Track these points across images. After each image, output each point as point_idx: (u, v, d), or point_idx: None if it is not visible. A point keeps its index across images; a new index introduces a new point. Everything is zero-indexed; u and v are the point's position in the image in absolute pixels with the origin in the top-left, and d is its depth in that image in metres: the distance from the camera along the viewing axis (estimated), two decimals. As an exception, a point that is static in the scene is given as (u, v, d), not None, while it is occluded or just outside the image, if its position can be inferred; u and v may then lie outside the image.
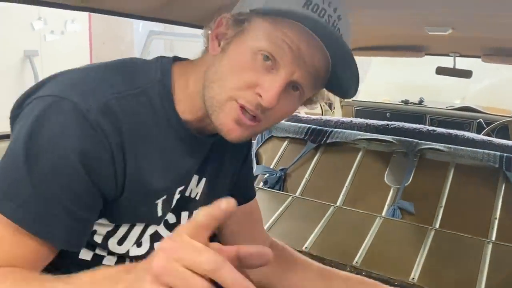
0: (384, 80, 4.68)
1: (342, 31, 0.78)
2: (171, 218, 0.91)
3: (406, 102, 3.44)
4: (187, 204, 0.92)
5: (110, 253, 0.84)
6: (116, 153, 0.72)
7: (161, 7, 1.32)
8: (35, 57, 4.54)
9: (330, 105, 4.41)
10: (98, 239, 0.81)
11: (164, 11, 1.38)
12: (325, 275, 1.06)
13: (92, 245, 0.82)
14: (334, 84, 0.83)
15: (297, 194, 2.08)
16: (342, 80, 0.81)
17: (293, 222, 1.85)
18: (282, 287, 1.07)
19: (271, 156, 2.34)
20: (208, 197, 0.94)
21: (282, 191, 2.13)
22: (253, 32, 0.75)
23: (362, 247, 1.64)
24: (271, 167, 2.27)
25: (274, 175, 2.18)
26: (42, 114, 0.68)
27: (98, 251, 0.83)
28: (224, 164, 0.98)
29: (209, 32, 0.83)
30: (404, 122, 2.30)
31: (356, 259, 1.58)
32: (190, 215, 0.94)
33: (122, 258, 0.86)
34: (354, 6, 1.22)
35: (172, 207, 0.89)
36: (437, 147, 1.98)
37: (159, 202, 0.83)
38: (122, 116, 0.72)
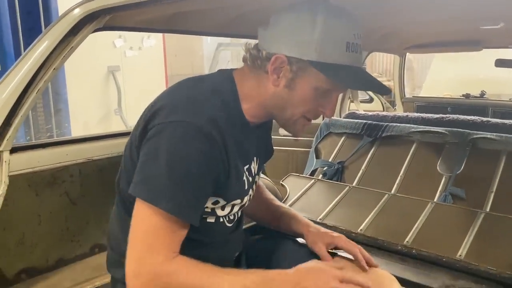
0: (445, 75, 4.64)
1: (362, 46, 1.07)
2: None
3: (467, 96, 3.45)
4: (254, 179, 1.22)
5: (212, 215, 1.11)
6: (223, 153, 1.01)
7: (229, 25, 1.58)
8: (117, 72, 5.04)
9: (392, 103, 4.47)
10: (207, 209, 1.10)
11: (231, 28, 1.64)
12: (270, 209, 1.40)
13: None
14: None
15: (354, 184, 2.23)
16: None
17: (349, 209, 2.01)
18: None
19: (329, 151, 2.51)
20: (258, 170, 1.25)
21: (340, 182, 2.30)
22: (313, 75, 1.03)
23: (413, 229, 1.76)
24: (330, 160, 2.44)
25: (332, 168, 2.35)
26: (175, 135, 0.96)
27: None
28: (262, 140, 1.26)
29: (255, 51, 1.10)
30: (466, 115, 2.36)
31: (407, 239, 1.71)
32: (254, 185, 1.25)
33: (218, 218, 1.13)
34: (410, 5, 1.38)
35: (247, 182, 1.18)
36: (488, 136, 2.04)
37: (245, 179, 1.14)
38: (221, 125, 1.00)
